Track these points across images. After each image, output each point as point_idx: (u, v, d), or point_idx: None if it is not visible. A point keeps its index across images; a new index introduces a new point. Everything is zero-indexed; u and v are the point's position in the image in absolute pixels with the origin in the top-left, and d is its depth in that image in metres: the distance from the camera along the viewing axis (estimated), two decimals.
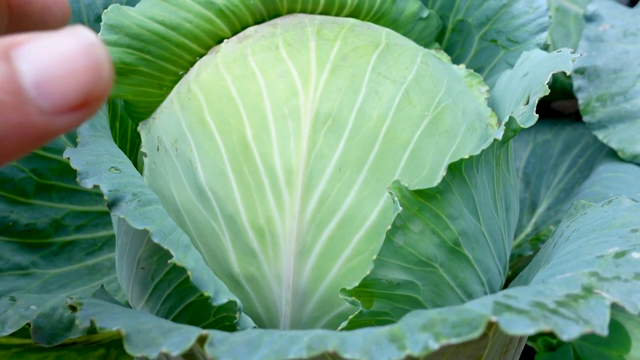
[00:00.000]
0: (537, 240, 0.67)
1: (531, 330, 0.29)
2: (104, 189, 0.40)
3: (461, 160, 0.40)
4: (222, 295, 0.42)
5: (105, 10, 0.53)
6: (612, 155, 0.78)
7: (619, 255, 0.36)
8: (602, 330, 0.30)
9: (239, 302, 0.43)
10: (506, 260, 0.52)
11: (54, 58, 0.25)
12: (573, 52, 0.48)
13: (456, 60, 0.67)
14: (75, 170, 0.66)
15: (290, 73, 0.48)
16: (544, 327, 0.29)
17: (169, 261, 0.40)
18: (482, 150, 0.40)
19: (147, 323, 0.35)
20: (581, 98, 0.77)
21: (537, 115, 0.42)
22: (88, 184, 0.41)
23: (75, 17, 0.65)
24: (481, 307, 0.31)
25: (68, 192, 0.66)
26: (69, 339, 0.53)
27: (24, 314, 0.52)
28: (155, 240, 0.40)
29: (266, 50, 0.50)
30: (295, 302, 0.45)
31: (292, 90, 0.47)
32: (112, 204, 0.41)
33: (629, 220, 0.42)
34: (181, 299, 0.47)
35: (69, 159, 0.42)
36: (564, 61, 0.45)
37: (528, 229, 0.85)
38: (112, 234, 0.69)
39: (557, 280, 0.36)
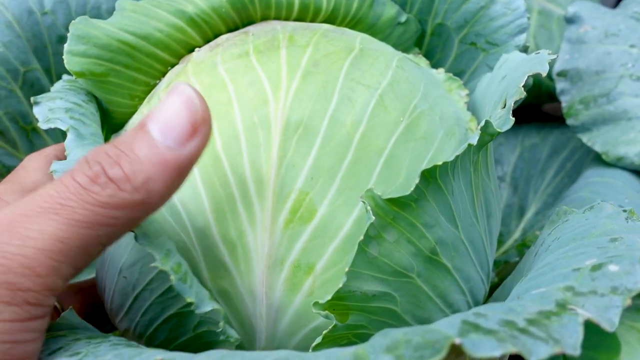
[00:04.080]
0: (523, 246, 0.66)
1: (497, 353, 0.28)
2: None
3: (435, 166, 0.38)
4: (205, 303, 0.41)
5: (73, 22, 0.52)
6: (600, 158, 0.77)
7: (596, 268, 0.34)
8: (574, 350, 0.29)
9: (223, 310, 0.41)
10: (489, 267, 0.51)
11: (167, 113, 0.38)
12: (551, 54, 0.47)
13: (437, 65, 0.66)
14: None
15: (260, 81, 0.47)
16: (510, 348, 0.28)
17: (151, 264, 0.39)
18: (457, 156, 0.39)
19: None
20: (564, 101, 0.76)
21: (514, 118, 0.41)
22: None
23: (36, 40, 0.63)
24: (448, 327, 0.30)
25: None
26: None
27: None
28: (140, 242, 0.39)
29: (236, 59, 0.49)
30: (270, 316, 0.44)
31: (263, 99, 0.46)
32: None
33: (609, 228, 0.40)
34: (162, 310, 0.45)
35: (53, 171, 0.43)
36: (540, 63, 0.44)
37: (516, 234, 0.84)
38: None
39: (531, 296, 0.34)
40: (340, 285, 0.38)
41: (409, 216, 0.39)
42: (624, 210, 0.44)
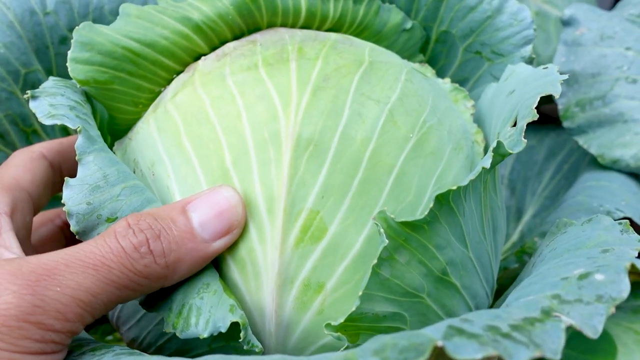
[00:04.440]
0: (523, 253, 0.67)
1: (479, 356, 0.28)
2: None
3: (449, 191, 0.39)
4: (225, 319, 0.40)
5: (77, 28, 0.51)
6: (596, 161, 0.77)
7: (583, 277, 0.35)
8: (555, 354, 0.29)
9: (242, 320, 0.41)
10: (493, 281, 0.51)
11: (210, 208, 0.42)
12: (560, 72, 0.47)
13: (440, 71, 0.66)
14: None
15: (270, 95, 0.46)
16: (491, 351, 0.28)
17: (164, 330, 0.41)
18: (471, 181, 0.39)
19: None
20: (561, 103, 0.76)
21: (526, 140, 0.41)
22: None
23: (38, 41, 0.62)
24: (433, 332, 0.31)
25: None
26: None
27: None
28: (146, 308, 0.41)
29: (245, 71, 0.49)
30: (279, 334, 0.44)
31: (273, 114, 0.45)
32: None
33: (603, 239, 0.41)
34: None
35: (67, 212, 0.43)
36: (552, 84, 0.44)
37: (514, 237, 0.84)
38: None
39: (518, 304, 0.35)
40: (354, 308, 0.39)
41: (421, 238, 0.40)
42: (620, 223, 0.45)
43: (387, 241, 0.38)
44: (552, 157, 0.92)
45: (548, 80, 0.45)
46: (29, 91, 0.47)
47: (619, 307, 0.79)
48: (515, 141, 0.42)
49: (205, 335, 0.40)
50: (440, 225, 0.40)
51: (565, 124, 0.77)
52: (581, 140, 0.76)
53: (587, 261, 0.38)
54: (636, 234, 0.42)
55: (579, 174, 0.83)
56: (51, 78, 0.53)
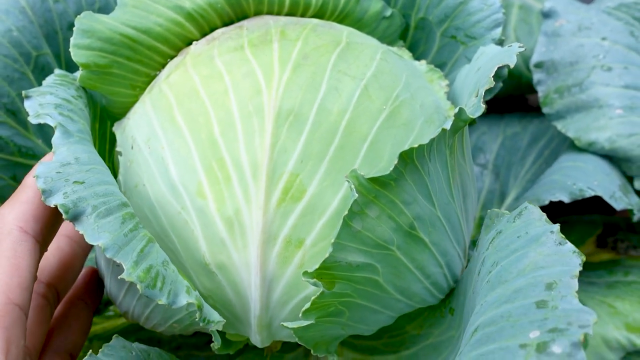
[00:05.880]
0: None
1: None
2: (61, 208, 0.42)
3: (412, 149, 0.43)
4: (181, 297, 0.44)
5: (77, 16, 0.55)
6: (574, 145, 0.81)
7: (541, 348, 0.35)
8: None
9: (197, 301, 0.44)
10: (465, 244, 0.55)
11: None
12: (521, 47, 0.51)
13: (421, 57, 0.70)
14: None
15: (254, 72, 0.51)
16: None
17: (118, 277, 0.43)
18: (432, 139, 0.43)
19: None
20: (541, 91, 0.81)
21: (485, 105, 0.45)
22: (51, 202, 0.43)
23: (48, 26, 0.67)
24: None
25: None
26: None
27: None
28: (108, 255, 0.42)
29: (232, 52, 0.53)
30: (264, 287, 0.48)
31: (257, 89, 0.50)
32: (73, 219, 0.43)
33: (540, 259, 0.41)
34: None
35: (36, 177, 0.44)
36: (509, 55, 0.48)
37: None
38: None
39: None
40: (327, 255, 0.43)
41: (389, 194, 0.44)
42: (551, 232, 0.43)
43: (357, 195, 0.42)
44: (534, 143, 0.95)
45: (506, 54, 0.49)
46: (23, 92, 0.51)
47: (593, 283, 0.82)
48: (475, 107, 0.46)
49: (164, 302, 0.43)
50: (406, 182, 0.44)
51: (545, 110, 0.81)
52: (559, 125, 0.80)
53: (538, 314, 0.38)
54: (568, 242, 0.42)
55: (559, 158, 0.87)
56: (54, 73, 0.57)
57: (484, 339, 0.39)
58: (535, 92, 0.95)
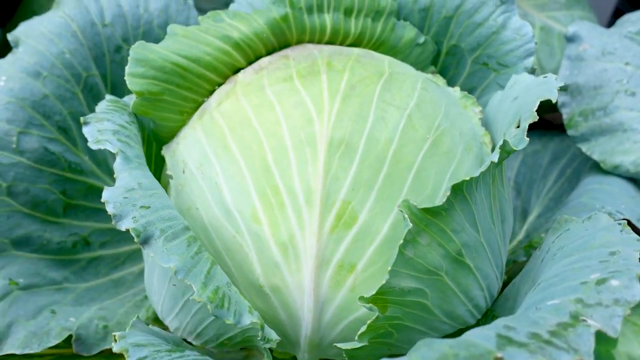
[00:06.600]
0: (530, 247, 0.73)
1: None
2: (133, 232, 0.45)
3: (463, 181, 0.45)
4: (245, 317, 0.47)
5: (132, 46, 0.58)
6: (598, 166, 0.84)
7: (600, 282, 0.41)
8: (589, 356, 0.36)
9: (260, 321, 0.47)
10: (502, 266, 0.58)
11: None
12: (557, 79, 0.53)
13: (451, 81, 0.73)
14: (98, 189, 0.71)
15: (305, 103, 0.53)
16: (541, 358, 0.35)
17: (190, 297, 0.45)
18: (482, 172, 0.46)
19: None
20: (565, 113, 0.83)
21: (528, 139, 0.48)
22: (122, 226, 0.46)
23: (96, 49, 0.70)
24: (486, 341, 0.36)
25: (92, 211, 0.71)
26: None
27: (64, 326, 0.57)
28: (179, 277, 0.45)
29: (282, 82, 0.56)
30: (317, 309, 0.50)
31: (308, 119, 0.52)
32: (144, 242, 0.45)
33: (606, 240, 0.47)
34: (209, 313, 0.51)
35: (105, 202, 0.47)
36: (550, 89, 0.51)
37: (520, 236, 0.90)
38: (133, 249, 0.74)
39: (547, 308, 0.40)
40: (383, 282, 0.45)
41: (440, 223, 0.46)
42: (619, 223, 0.50)
43: (411, 225, 0.44)
44: (555, 162, 0.98)
45: (546, 87, 0.52)
46: (81, 118, 0.54)
47: None
48: (519, 139, 0.48)
49: (231, 321, 0.46)
50: (456, 211, 0.46)
51: (570, 132, 0.83)
52: (584, 147, 0.82)
53: (600, 265, 0.44)
54: (634, 233, 0.48)
55: (582, 178, 0.89)
56: (105, 99, 0.60)
57: (546, 286, 0.44)
58: (554, 111, 0.97)
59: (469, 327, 0.57)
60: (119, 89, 0.73)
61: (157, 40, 0.72)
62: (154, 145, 0.65)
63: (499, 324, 0.39)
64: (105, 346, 0.59)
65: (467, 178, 0.45)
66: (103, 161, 0.72)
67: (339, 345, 0.48)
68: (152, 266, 0.57)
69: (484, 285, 0.53)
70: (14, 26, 1.19)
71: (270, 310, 0.52)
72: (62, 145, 0.67)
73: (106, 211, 0.71)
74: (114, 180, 0.74)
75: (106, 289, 0.68)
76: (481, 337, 0.37)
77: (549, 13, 1.05)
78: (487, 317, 0.58)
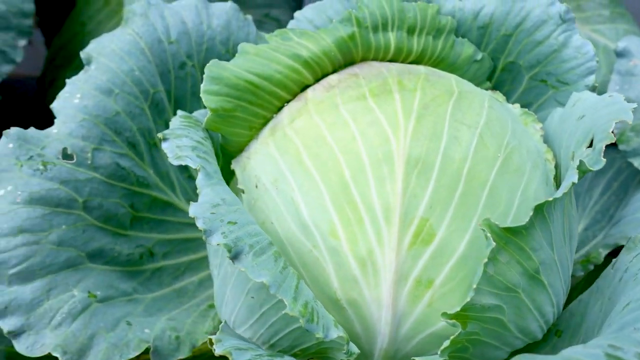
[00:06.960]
0: (588, 262, 0.74)
1: None
2: (225, 247, 0.47)
3: (545, 202, 0.46)
4: (331, 331, 0.48)
5: (207, 65, 0.60)
6: None
7: None
8: None
9: (345, 335, 0.49)
10: (569, 282, 0.59)
11: None
12: (628, 101, 0.54)
13: (505, 96, 0.74)
14: (161, 201, 0.73)
15: (379, 121, 0.55)
16: None
17: (283, 312, 0.47)
18: (564, 193, 0.47)
19: None
20: (616, 128, 0.84)
21: (605, 159, 0.49)
22: (213, 241, 0.48)
23: (163, 65, 0.72)
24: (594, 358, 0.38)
25: (156, 223, 0.73)
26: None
27: (142, 337, 0.59)
28: (272, 291, 0.46)
29: (355, 100, 0.57)
30: (394, 323, 0.52)
31: (384, 137, 0.54)
32: (234, 257, 0.47)
33: None
34: (286, 324, 0.53)
35: (194, 217, 0.49)
36: (625, 111, 0.52)
37: None
38: (192, 260, 0.76)
39: None
40: (468, 299, 0.46)
41: (520, 241, 0.47)
42: None
43: (494, 244, 0.46)
44: (600, 175, 0.98)
45: (619, 108, 0.53)
46: (159, 134, 0.56)
47: None
48: (595, 160, 0.50)
49: (321, 335, 0.48)
50: (536, 230, 0.48)
51: (621, 147, 0.84)
52: (636, 162, 0.83)
53: None
54: None
55: (629, 192, 0.90)
56: (178, 115, 0.62)
57: (636, 307, 0.45)
58: None
59: (536, 343, 0.58)
60: (181, 104, 0.75)
61: (219, 56, 0.74)
62: (222, 159, 0.67)
63: (602, 343, 0.40)
64: (179, 356, 0.61)
65: (551, 199, 0.46)
66: (165, 174, 0.74)
67: (417, 359, 0.50)
68: (226, 278, 0.58)
69: (554, 302, 0.54)
70: (61, 39, 1.22)
71: (345, 323, 0.53)
72: (131, 160, 0.69)
73: (169, 222, 0.76)
74: (175, 192, 0.77)
75: (171, 299, 0.70)
76: (588, 356, 0.38)
77: (593, 26, 1.06)
78: (550, 332, 0.59)
